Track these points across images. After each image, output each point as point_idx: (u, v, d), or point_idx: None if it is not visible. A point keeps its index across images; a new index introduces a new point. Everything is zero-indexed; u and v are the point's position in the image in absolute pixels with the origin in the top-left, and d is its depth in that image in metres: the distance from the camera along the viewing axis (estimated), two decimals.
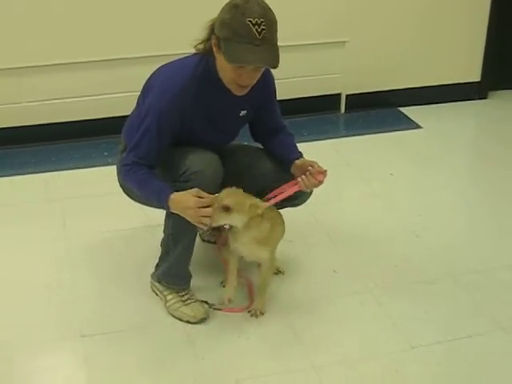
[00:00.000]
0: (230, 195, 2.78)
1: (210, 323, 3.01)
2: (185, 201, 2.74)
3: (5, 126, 4.41)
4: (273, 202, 2.89)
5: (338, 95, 5.01)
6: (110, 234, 3.58)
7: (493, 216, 3.82)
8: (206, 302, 3.05)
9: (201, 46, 2.85)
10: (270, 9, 2.71)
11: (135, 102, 3.02)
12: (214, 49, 2.75)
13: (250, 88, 2.82)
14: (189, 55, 2.89)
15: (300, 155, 3.04)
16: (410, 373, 2.77)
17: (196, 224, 2.77)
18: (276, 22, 2.72)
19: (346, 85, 4.96)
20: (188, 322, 3.00)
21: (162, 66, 2.96)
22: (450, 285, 3.27)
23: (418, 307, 3.13)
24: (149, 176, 2.84)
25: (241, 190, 2.82)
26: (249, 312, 3.05)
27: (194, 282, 3.10)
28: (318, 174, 2.87)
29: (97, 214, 3.74)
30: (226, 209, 2.75)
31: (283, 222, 3.05)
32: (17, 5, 4.16)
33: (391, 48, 4.95)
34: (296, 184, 2.89)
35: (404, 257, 3.45)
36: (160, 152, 2.85)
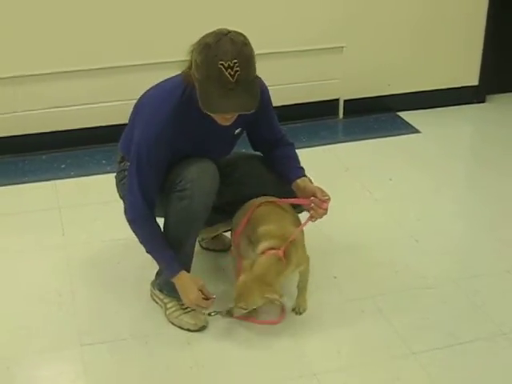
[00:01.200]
0: (242, 295, 2.83)
1: (210, 331, 3.00)
2: (188, 290, 2.89)
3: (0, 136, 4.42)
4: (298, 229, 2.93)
5: (336, 100, 5.00)
6: (109, 243, 3.57)
7: (492, 220, 3.82)
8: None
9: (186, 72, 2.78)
10: (244, 43, 2.62)
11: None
12: (196, 83, 2.69)
13: (235, 118, 2.76)
14: (176, 77, 2.82)
15: (301, 172, 3.04)
16: (411, 379, 2.77)
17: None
18: (252, 56, 2.64)
19: (344, 90, 4.96)
20: (188, 329, 2.99)
21: (149, 92, 2.93)
22: (451, 290, 3.26)
23: (419, 313, 3.12)
24: (157, 236, 2.90)
25: (254, 274, 2.83)
26: (293, 310, 3.09)
27: None
28: (322, 204, 2.88)
29: (96, 223, 3.73)
30: (242, 308, 2.85)
31: (298, 222, 3.05)
32: (12, 14, 4.15)
33: (389, 53, 4.95)
34: (309, 220, 2.93)
35: (404, 262, 3.44)
36: (158, 182, 2.85)
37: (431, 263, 3.44)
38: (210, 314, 2.99)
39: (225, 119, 2.74)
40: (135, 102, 2.99)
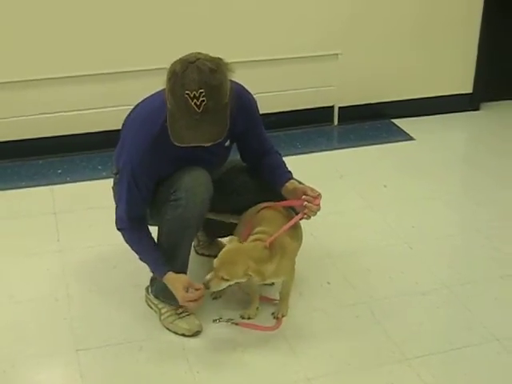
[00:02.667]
0: (224, 263, 2.80)
1: (204, 336, 3.01)
2: (175, 290, 2.89)
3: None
4: (280, 233, 2.89)
5: (331, 107, 5.02)
6: (105, 248, 3.57)
7: (486, 227, 3.83)
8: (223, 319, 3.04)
9: None
10: (212, 70, 2.56)
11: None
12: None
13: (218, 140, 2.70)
14: (160, 97, 2.75)
15: (289, 175, 3.04)
16: None
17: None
18: (221, 83, 2.57)
19: (339, 97, 4.97)
20: (183, 334, 3.00)
21: (135, 111, 2.94)
22: (444, 296, 3.28)
23: (412, 319, 3.13)
24: (144, 240, 2.94)
25: (240, 246, 2.84)
26: (272, 314, 3.08)
27: None
28: (314, 200, 2.88)
29: (91, 228, 3.74)
30: (223, 278, 2.80)
31: (298, 237, 3.04)
32: (10, 21, 4.16)
33: (384, 60, 4.97)
34: (302, 216, 2.91)
35: (398, 268, 3.46)
36: (146, 200, 2.89)
37: (425, 269, 3.46)
38: (214, 321, 3.00)
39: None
40: (131, 108, 3.00)
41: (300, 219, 2.92)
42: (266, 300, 3.15)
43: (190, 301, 2.87)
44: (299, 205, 2.92)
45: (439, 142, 4.84)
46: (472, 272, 3.47)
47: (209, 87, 2.54)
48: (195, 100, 2.53)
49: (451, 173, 4.51)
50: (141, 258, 2.99)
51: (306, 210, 2.88)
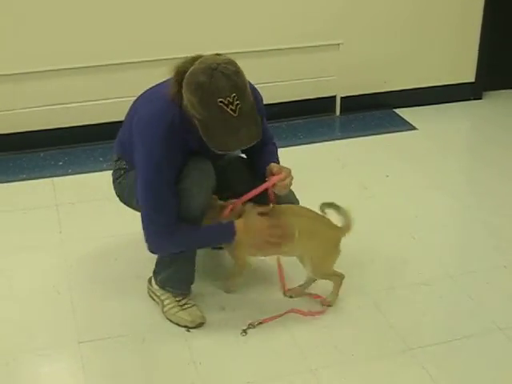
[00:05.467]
0: None
1: (207, 328, 3.01)
2: (257, 231, 2.85)
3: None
4: (242, 199, 2.91)
5: (333, 97, 5.00)
6: (106, 240, 3.57)
7: (489, 216, 3.82)
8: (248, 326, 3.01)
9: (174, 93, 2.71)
10: (236, 72, 2.57)
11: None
12: (191, 116, 2.65)
13: None
14: (164, 96, 2.74)
15: (273, 160, 3.01)
16: (407, 374, 2.78)
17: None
18: (246, 82, 2.59)
19: (341, 87, 4.96)
20: (186, 326, 3.00)
21: (142, 108, 2.88)
22: (448, 286, 3.28)
23: (416, 308, 3.13)
24: (194, 229, 2.85)
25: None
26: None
27: (193, 287, 3.11)
28: (279, 176, 2.86)
29: (92, 220, 3.74)
30: None
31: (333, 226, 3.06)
32: (12, 12, 4.15)
33: (385, 49, 4.95)
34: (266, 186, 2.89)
35: (401, 258, 3.45)
36: (175, 200, 2.79)
37: (428, 259, 3.45)
38: (246, 328, 2.99)
39: None
40: (132, 99, 2.99)
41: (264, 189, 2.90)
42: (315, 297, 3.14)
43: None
44: (267, 187, 2.89)
45: (441, 132, 4.83)
46: (475, 261, 3.46)
47: (239, 90, 2.54)
48: (230, 106, 2.52)
49: (454, 162, 4.49)
50: (194, 246, 2.94)
51: (274, 189, 2.88)
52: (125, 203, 3.12)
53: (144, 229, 2.82)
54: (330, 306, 3.08)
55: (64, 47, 4.30)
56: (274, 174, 2.87)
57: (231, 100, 2.52)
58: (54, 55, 4.31)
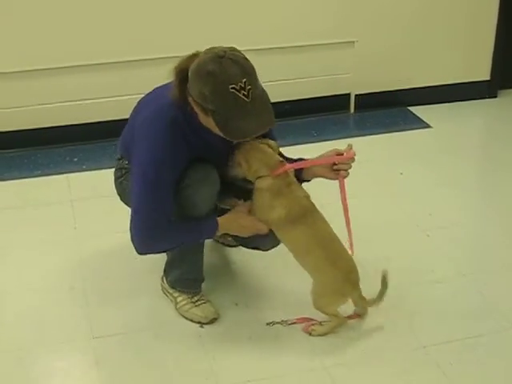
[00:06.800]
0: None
1: (221, 324, 3.02)
2: (241, 224, 2.84)
3: (12, 129, 4.44)
4: (296, 165, 2.90)
5: (348, 95, 5.00)
6: (121, 235, 3.55)
7: (503, 215, 3.82)
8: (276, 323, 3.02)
9: (175, 93, 2.67)
10: (244, 58, 2.55)
11: None
12: (198, 111, 2.62)
13: None
14: (165, 95, 2.73)
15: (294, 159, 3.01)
16: (421, 372, 2.78)
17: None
18: (253, 68, 2.56)
19: (356, 85, 4.96)
20: (199, 322, 3.00)
21: (143, 105, 2.88)
22: (461, 284, 3.27)
23: (429, 306, 3.13)
24: (177, 226, 2.81)
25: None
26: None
27: (203, 283, 3.12)
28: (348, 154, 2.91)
29: (107, 215, 3.75)
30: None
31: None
32: (29, 10, 4.17)
33: (400, 47, 4.94)
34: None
35: (415, 256, 3.45)
36: (170, 204, 2.76)
37: (442, 257, 3.45)
38: (268, 324, 3.00)
39: None
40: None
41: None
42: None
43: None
44: (329, 162, 2.94)
45: (456, 130, 4.82)
46: (488, 260, 3.46)
47: (249, 75, 2.52)
48: (243, 91, 2.50)
49: (468, 161, 4.48)
50: (177, 243, 2.86)
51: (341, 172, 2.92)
52: (125, 203, 3.10)
53: (131, 225, 2.78)
54: (310, 334, 2.96)
55: (80, 43, 4.31)
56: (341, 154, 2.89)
57: (243, 85, 2.49)
58: (70, 52, 4.32)
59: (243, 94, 2.50)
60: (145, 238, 2.79)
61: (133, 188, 2.78)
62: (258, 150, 2.79)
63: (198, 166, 2.79)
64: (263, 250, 3.14)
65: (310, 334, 2.94)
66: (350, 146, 2.91)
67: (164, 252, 3.00)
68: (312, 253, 2.86)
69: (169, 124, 2.69)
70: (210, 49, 2.60)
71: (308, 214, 2.85)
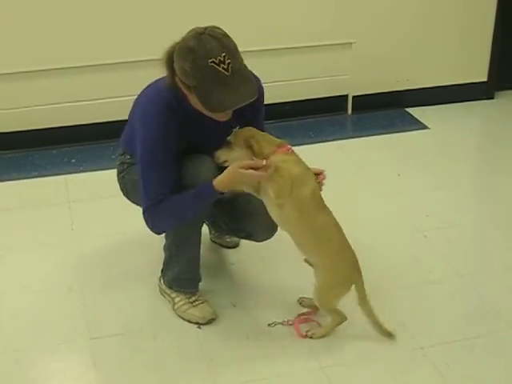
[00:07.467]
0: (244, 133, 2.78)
1: (218, 324, 3.02)
2: (238, 178, 2.72)
3: (10, 131, 4.45)
4: None
5: (345, 96, 5.01)
6: (119, 237, 3.58)
7: (500, 216, 3.83)
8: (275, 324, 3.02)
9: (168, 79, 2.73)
10: (224, 34, 2.60)
11: None
12: (184, 90, 2.67)
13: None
14: (160, 83, 2.80)
15: None
16: (418, 373, 2.78)
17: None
18: (235, 45, 2.61)
19: (353, 86, 4.96)
20: (197, 323, 3.01)
21: (139, 98, 2.92)
22: (458, 285, 3.27)
23: (427, 307, 3.13)
24: (179, 198, 2.78)
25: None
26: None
27: (201, 284, 3.11)
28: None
29: (104, 217, 3.75)
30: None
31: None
32: (24, 11, 4.17)
33: (398, 49, 4.95)
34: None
35: (412, 257, 3.45)
36: (173, 177, 2.78)
37: (439, 258, 3.45)
38: (269, 325, 3.00)
39: (223, 115, 2.71)
40: None
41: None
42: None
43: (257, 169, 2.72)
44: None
45: (453, 131, 4.83)
46: (486, 261, 3.46)
47: (229, 50, 2.56)
48: (222, 65, 2.54)
49: (465, 162, 4.49)
50: (182, 216, 2.83)
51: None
52: (127, 198, 3.13)
53: (141, 203, 2.82)
54: (310, 337, 2.95)
55: (78, 44, 4.32)
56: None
57: (222, 59, 2.53)
58: (68, 52, 4.33)
59: (223, 68, 2.54)
60: (152, 215, 2.82)
61: (137, 168, 2.83)
62: (259, 133, 2.81)
63: (194, 156, 2.81)
64: (257, 241, 3.15)
65: (311, 338, 2.94)
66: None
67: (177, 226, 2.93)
68: (332, 239, 2.85)
69: (163, 107, 2.74)
70: (193, 28, 2.64)
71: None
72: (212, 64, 2.53)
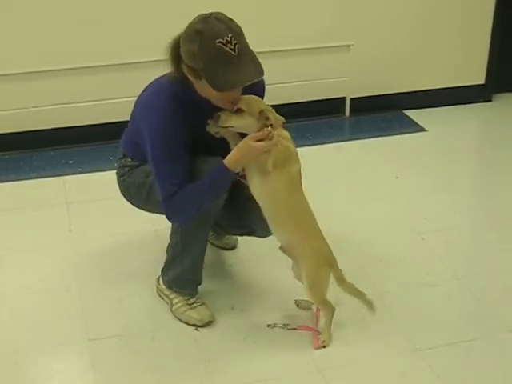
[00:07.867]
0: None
1: (216, 326, 3.02)
2: (248, 153, 2.72)
3: (8, 132, 4.45)
4: None
5: (343, 99, 5.01)
6: (116, 238, 3.59)
7: (498, 219, 3.83)
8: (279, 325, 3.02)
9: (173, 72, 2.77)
10: (230, 19, 2.67)
11: None
12: (191, 77, 2.70)
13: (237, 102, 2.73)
14: (162, 80, 2.84)
15: None
16: (415, 375, 2.78)
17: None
18: (240, 28, 2.67)
19: (351, 88, 4.97)
20: (195, 325, 3.01)
21: (141, 99, 2.93)
22: (456, 287, 3.28)
23: (424, 310, 3.14)
24: (189, 187, 2.77)
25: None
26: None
27: (199, 286, 3.12)
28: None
29: (102, 218, 3.76)
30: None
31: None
32: (23, 12, 4.17)
33: (396, 51, 4.96)
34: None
35: (410, 259, 3.46)
36: (186, 165, 2.79)
37: (436, 261, 3.45)
38: (269, 326, 3.01)
39: (230, 104, 2.72)
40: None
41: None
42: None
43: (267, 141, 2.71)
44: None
45: (451, 134, 4.83)
46: (483, 264, 3.47)
47: (235, 32, 2.62)
48: (229, 45, 2.59)
49: (463, 164, 4.49)
50: (205, 200, 2.81)
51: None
52: (129, 201, 3.13)
53: (159, 197, 2.80)
54: (325, 346, 2.92)
55: (75, 46, 4.32)
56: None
57: (229, 39, 2.59)
58: (66, 54, 4.33)
59: (229, 48, 2.59)
60: (171, 206, 2.81)
61: (149, 162, 2.83)
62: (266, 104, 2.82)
63: (202, 155, 2.82)
64: (260, 237, 3.16)
65: (325, 347, 2.91)
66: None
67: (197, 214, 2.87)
68: (309, 221, 2.89)
69: (168, 98, 2.76)
70: (198, 15, 2.70)
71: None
72: (219, 44, 2.58)
